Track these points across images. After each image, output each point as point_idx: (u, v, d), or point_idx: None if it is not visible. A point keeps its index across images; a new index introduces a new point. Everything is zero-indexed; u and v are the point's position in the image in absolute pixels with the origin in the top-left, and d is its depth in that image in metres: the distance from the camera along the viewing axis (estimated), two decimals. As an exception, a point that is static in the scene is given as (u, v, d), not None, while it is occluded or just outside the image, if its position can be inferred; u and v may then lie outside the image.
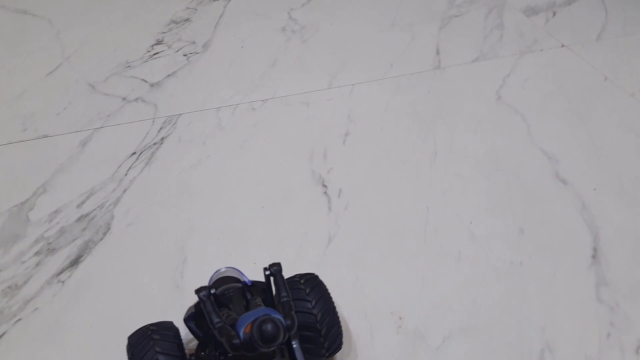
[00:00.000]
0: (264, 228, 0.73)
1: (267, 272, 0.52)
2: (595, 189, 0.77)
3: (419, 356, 0.58)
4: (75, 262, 0.67)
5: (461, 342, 0.60)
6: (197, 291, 0.47)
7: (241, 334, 0.43)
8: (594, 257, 0.68)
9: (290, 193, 0.78)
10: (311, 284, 0.56)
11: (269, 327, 0.41)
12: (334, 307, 0.55)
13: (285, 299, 0.48)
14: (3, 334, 0.60)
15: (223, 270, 0.56)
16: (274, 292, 0.52)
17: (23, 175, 0.79)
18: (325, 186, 0.79)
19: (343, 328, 0.60)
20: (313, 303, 0.53)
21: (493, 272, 0.67)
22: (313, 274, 0.58)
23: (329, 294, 0.56)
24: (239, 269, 0.56)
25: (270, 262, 0.52)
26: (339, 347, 0.55)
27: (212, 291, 0.49)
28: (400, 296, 0.64)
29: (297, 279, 0.56)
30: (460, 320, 0.62)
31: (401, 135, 0.87)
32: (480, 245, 0.70)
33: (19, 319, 0.61)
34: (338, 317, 0.55)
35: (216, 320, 0.45)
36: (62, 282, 0.65)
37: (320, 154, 0.84)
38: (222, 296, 0.51)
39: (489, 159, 0.83)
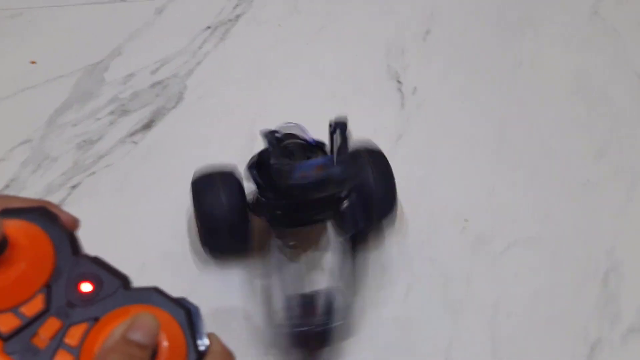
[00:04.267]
0: (333, 117, 0.71)
1: (331, 129, 0.49)
2: (688, 119, 0.72)
3: (480, 258, 0.58)
4: (148, 126, 0.67)
5: (525, 251, 0.59)
6: (264, 134, 0.47)
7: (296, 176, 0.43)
8: (676, 187, 0.65)
9: (363, 85, 0.76)
10: (375, 157, 0.55)
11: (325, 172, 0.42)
12: (394, 184, 0.55)
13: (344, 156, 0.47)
14: (77, 184, 0.62)
15: (289, 125, 0.55)
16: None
17: (98, 36, 0.79)
18: (400, 82, 0.76)
19: (404, 222, 0.60)
20: (372, 175, 0.53)
21: (566, 189, 0.64)
22: (380, 150, 0.57)
23: (391, 170, 0.55)
24: (304, 127, 0.55)
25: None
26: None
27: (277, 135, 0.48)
28: (467, 200, 0.63)
29: (361, 150, 0.56)
30: (526, 230, 0.60)
31: (485, 40, 0.82)
32: (556, 162, 0.67)
33: (93, 172, 0.63)
34: (396, 193, 0.55)
35: (275, 161, 0.45)
36: (135, 142, 0.66)
37: (398, 49, 0.80)
38: (284, 148, 0.50)
39: (576, 75, 0.78)
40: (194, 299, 0.52)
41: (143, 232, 0.58)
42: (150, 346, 0.24)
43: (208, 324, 0.51)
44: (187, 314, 0.26)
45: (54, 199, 0.60)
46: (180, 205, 0.60)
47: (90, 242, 0.56)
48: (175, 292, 0.53)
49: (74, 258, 0.27)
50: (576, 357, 0.51)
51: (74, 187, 0.61)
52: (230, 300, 0.53)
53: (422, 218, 0.61)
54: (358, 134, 0.69)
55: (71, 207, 0.59)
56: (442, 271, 0.57)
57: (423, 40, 0.81)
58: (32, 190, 0.61)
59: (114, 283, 0.27)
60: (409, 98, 0.74)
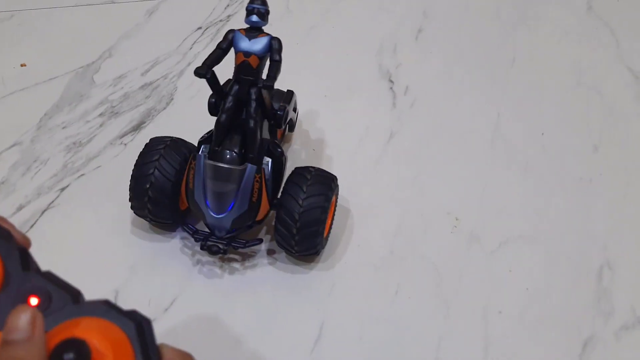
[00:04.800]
0: (325, 117, 0.71)
1: None
2: (683, 115, 0.71)
3: (472, 257, 0.57)
4: (137, 127, 0.67)
5: (517, 249, 0.58)
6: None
7: None
8: (671, 183, 0.64)
9: (354, 85, 0.75)
10: (319, 180, 0.53)
11: None
12: (325, 216, 0.51)
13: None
14: (67, 186, 0.61)
15: None
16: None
17: (89, 38, 0.78)
18: (391, 81, 0.75)
19: (395, 225, 0.59)
20: (303, 196, 0.51)
21: (560, 186, 0.64)
22: (333, 175, 0.54)
23: (330, 197, 0.52)
24: None
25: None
26: (312, 252, 0.54)
27: None
28: (459, 198, 0.63)
29: (309, 170, 0.53)
30: (519, 228, 0.60)
31: (479, 37, 0.81)
32: (550, 158, 0.67)
33: (82, 174, 0.62)
34: (324, 226, 0.52)
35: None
36: (125, 144, 0.65)
37: (390, 48, 0.80)
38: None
39: (570, 71, 0.77)
40: (183, 300, 0.52)
41: (132, 233, 0.58)
42: (32, 339, 0.23)
43: (201, 324, 0.51)
44: (138, 327, 0.25)
45: (44, 200, 0.60)
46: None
47: (79, 243, 0.56)
48: (164, 293, 0.53)
49: (24, 273, 0.26)
50: (569, 354, 0.51)
51: (63, 189, 0.61)
52: (217, 302, 0.53)
53: (413, 216, 0.61)
54: (350, 133, 0.69)
55: (61, 209, 0.59)
56: (433, 270, 0.56)
57: (415, 39, 0.81)
58: (22, 192, 0.61)
59: (63, 297, 0.26)
60: (401, 97, 0.73)
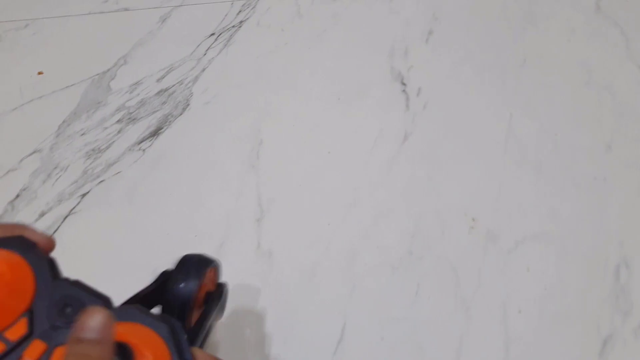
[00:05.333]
0: (339, 120, 0.72)
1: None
2: (694, 112, 0.72)
3: (490, 257, 0.58)
4: (155, 133, 0.68)
5: (534, 249, 0.59)
6: None
7: None
8: (685, 180, 0.65)
9: (367, 88, 0.76)
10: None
11: None
12: None
13: None
14: (87, 192, 0.62)
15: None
16: None
17: (104, 46, 0.79)
18: (404, 84, 0.76)
19: (412, 226, 0.60)
20: None
21: (574, 186, 0.64)
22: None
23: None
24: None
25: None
26: None
27: None
28: (474, 199, 0.63)
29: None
30: (535, 227, 0.60)
31: (488, 38, 0.82)
32: (564, 158, 0.67)
33: (102, 180, 0.63)
34: None
35: None
36: (143, 150, 0.66)
37: (401, 51, 0.80)
38: None
39: (580, 71, 0.78)
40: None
41: (153, 237, 0.59)
42: (104, 340, 0.23)
43: (221, 327, 0.51)
44: (171, 329, 0.26)
45: (65, 207, 0.61)
46: (189, 211, 0.60)
47: (101, 249, 0.57)
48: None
49: (54, 282, 0.27)
50: (588, 352, 0.51)
51: (83, 195, 0.62)
52: (236, 307, 0.54)
53: (430, 217, 0.61)
54: (364, 135, 0.70)
55: (82, 215, 0.60)
56: (451, 270, 0.57)
57: (426, 42, 0.82)
58: (43, 199, 0.62)
59: (95, 304, 0.27)
60: (414, 99, 0.74)
